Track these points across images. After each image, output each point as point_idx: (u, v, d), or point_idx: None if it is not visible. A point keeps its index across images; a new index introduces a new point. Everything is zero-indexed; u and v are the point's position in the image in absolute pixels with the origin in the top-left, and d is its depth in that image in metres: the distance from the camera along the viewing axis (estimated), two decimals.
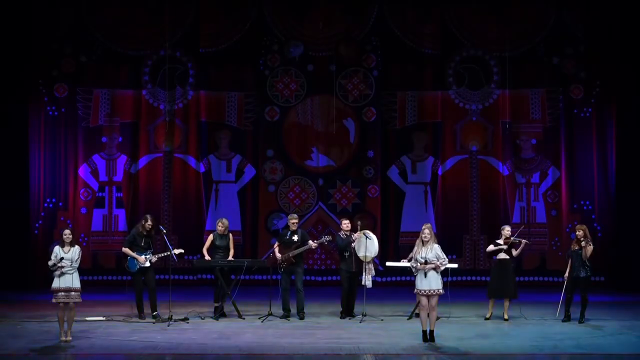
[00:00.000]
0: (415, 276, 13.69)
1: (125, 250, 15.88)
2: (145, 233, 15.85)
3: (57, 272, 13.60)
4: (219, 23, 21.92)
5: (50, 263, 13.67)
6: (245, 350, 13.02)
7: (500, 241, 16.13)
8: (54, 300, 13.67)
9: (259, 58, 22.15)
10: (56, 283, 13.61)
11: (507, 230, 16.26)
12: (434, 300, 13.52)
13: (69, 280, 13.62)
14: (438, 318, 14.43)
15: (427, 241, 13.61)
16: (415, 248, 13.64)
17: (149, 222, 15.84)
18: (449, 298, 16.08)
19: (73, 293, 13.66)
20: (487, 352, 12.96)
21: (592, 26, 21.59)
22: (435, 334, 13.72)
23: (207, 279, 20.65)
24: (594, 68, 21.66)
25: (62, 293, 13.60)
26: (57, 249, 13.71)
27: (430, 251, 13.53)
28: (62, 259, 13.54)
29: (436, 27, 22.00)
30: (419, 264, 13.49)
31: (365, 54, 22.17)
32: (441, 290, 13.51)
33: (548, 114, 21.91)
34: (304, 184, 22.17)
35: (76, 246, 13.84)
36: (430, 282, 13.47)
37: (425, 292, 13.47)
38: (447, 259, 13.67)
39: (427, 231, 13.64)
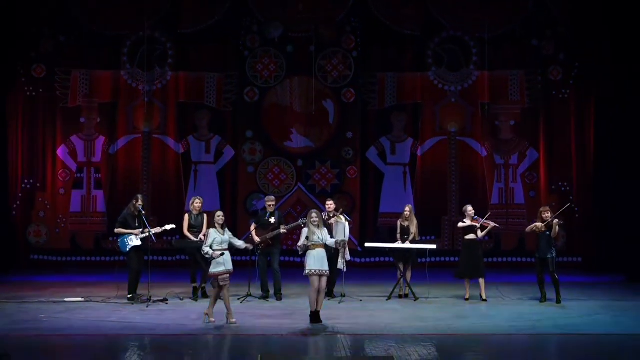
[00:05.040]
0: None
1: (118, 230, 15.80)
2: (137, 213, 15.78)
3: (217, 256, 13.56)
4: (198, 3, 21.77)
5: (207, 250, 13.59)
6: (225, 331, 13.04)
7: (467, 220, 16.19)
8: (222, 284, 13.53)
9: (238, 39, 22.05)
10: (222, 267, 13.52)
11: (469, 210, 16.30)
12: (324, 282, 13.58)
13: (228, 262, 13.63)
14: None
15: (318, 225, 13.70)
16: (307, 230, 13.71)
17: (140, 202, 15.77)
18: (428, 278, 16.19)
19: (229, 275, 13.70)
20: (465, 332, 13.03)
21: (571, 8, 21.58)
22: (415, 315, 13.77)
23: (186, 260, 20.60)
24: (573, 50, 21.68)
25: (226, 275, 13.57)
26: (214, 232, 13.65)
27: (323, 233, 13.74)
28: (221, 252, 13.57)
29: (416, 9, 21.90)
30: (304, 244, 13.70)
31: (344, 35, 22.13)
32: (328, 272, 13.69)
33: (527, 95, 21.94)
34: (283, 165, 22.15)
35: (225, 228, 13.89)
36: (322, 263, 13.53)
37: (316, 272, 13.51)
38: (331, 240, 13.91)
39: (314, 214, 13.84)
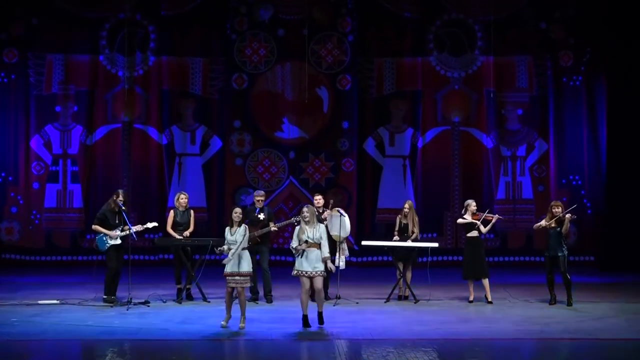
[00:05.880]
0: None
1: (95, 227, 15.72)
2: (117, 210, 15.70)
3: (218, 252, 13.63)
4: None
5: (220, 249, 13.63)
6: (210, 336, 12.98)
7: (467, 216, 16.09)
8: (228, 285, 13.51)
9: (225, 21, 22.00)
10: (226, 267, 13.46)
11: (473, 206, 16.18)
12: (318, 282, 13.45)
13: (235, 263, 13.43)
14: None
15: (308, 221, 13.54)
16: (299, 229, 13.59)
17: (121, 197, 15.69)
18: (429, 279, 16.13)
19: (239, 277, 13.43)
20: (469, 337, 12.98)
21: None
22: (416, 318, 13.73)
23: (169, 259, 20.57)
24: (584, 34, 21.66)
25: (229, 277, 13.42)
26: (226, 230, 13.61)
27: (316, 231, 13.50)
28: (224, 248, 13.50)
29: None
30: (301, 245, 13.49)
31: (340, 18, 22.07)
32: (324, 272, 13.52)
33: (535, 82, 21.94)
34: (274, 157, 22.10)
35: (242, 226, 13.69)
36: (312, 263, 13.41)
37: (306, 273, 13.42)
38: (326, 243, 13.65)
39: (305, 209, 13.61)
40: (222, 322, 13.43)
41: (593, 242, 21.45)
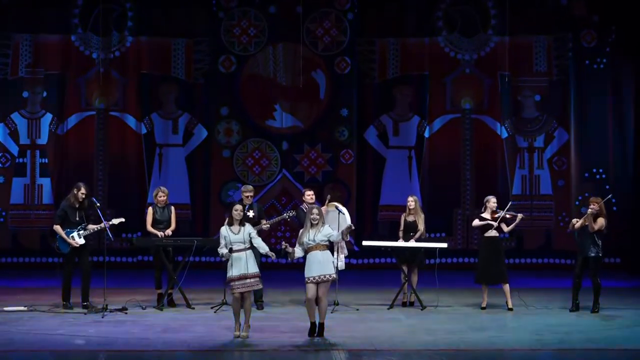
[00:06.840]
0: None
1: (56, 228, 15.69)
2: (78, 205, 15.66)
3: (222, 256, 13.50)
4: None
5: (221, 252, 13.47)
6: (195, 346, 12.96)
7: (486, 215, 16.03)
8: (231, 292, 13.45)
9: None
10: (230, 272, 13.36)
11: (492, 202, 16.11)
12: (322, 289, 13.39)
13: (242, 265, 13.38)
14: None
15: (316, 223, 13.48)
16: (301, 232, 13.58)
17: (82, 191, 15.65)
18: (437, 283, 16.12)
19: (249, 280, 13.39)
20: (481, 347, 12.97)
21: None
22: (422, 326, 13.73)
23: (149, 261, 20.52)
24: (609, 11, 21.65)
25: (238, 282, 13.36)
26: (224, 230, 13.47)
27: (318, 233, 13.44)
28: (230, 249, 13.36)
29: None
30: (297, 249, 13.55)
31: None
32: (334, 275, 13.45)
33: (555, 65, 21.94)
34: (265, 148, 22.10)
35: (246, 224, 13.59)
36: (321, 267, 13.35)
37: (313, 279, 13.38)
38: (335, 233, 13.67)
39: (315, 211, 13.53)
40: (236, 332, 13.36)
41: (619, 242, 21.40)
